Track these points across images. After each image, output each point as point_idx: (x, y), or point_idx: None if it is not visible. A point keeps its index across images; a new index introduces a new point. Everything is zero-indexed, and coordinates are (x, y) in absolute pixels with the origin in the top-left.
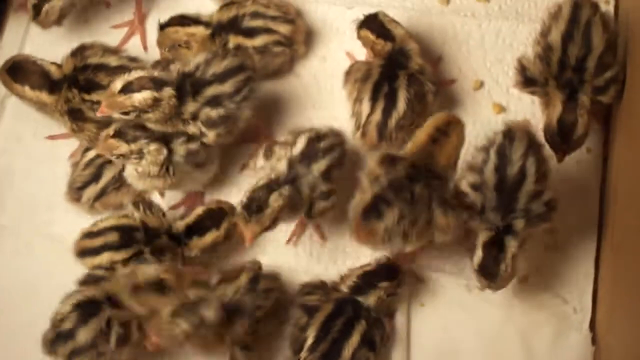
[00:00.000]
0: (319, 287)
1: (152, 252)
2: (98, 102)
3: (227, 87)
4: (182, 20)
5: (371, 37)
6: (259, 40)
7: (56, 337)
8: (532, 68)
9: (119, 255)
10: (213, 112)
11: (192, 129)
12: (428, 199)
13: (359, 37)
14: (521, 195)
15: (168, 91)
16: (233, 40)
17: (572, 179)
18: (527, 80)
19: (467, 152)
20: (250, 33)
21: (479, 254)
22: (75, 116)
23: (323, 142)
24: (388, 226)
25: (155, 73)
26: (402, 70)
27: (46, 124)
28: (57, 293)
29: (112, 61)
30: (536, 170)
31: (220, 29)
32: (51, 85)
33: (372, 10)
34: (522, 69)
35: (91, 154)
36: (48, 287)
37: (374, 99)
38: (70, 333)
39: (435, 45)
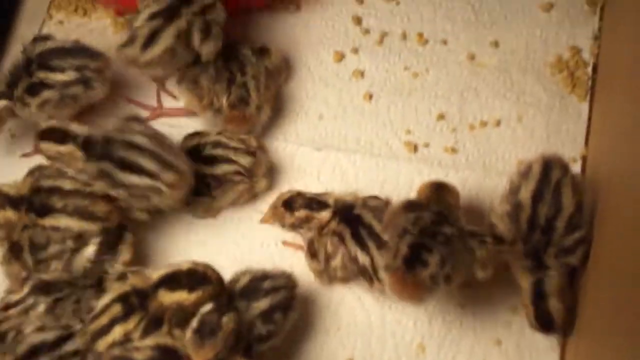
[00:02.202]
0: None
1: None
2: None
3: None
4: None
5: (322, 214)
6: (218, 170)
7: None
8: (500, 226)
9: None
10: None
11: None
12: (460, 237)
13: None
14: None
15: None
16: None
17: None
18: (495, 239)
19: None
20: (210, 161)
21: None
22: (14, 251)
23: (267, 282)
24: (433, 272)
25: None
26: (358, 207)
27: None
28: None
29: (67, 184)
30: None
31: None
32: (12, 202)
33: (339, 154)
34: (490, 227)
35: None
36: None
37: (363, 247)
38: None
39: (401, 193)
